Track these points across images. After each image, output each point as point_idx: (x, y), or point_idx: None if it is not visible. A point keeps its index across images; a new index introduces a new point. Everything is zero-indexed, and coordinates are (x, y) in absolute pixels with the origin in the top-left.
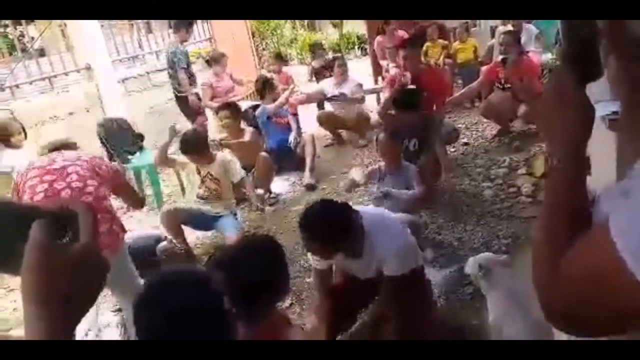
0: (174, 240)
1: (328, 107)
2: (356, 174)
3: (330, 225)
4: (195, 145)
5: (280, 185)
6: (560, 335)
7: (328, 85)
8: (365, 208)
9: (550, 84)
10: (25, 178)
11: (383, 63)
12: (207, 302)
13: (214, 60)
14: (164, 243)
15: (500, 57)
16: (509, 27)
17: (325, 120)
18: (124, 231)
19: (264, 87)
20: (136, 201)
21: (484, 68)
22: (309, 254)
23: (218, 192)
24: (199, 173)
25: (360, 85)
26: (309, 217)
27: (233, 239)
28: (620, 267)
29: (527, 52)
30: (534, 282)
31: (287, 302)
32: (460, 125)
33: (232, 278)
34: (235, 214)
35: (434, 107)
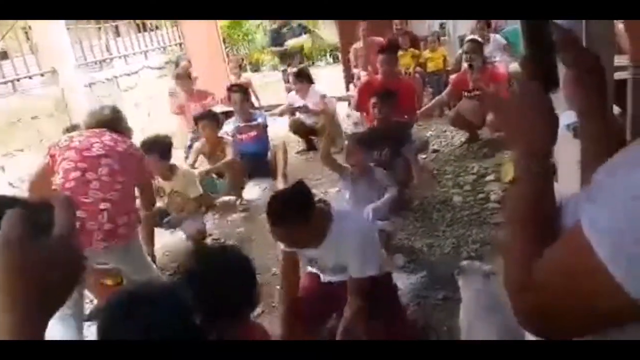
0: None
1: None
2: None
3: (292, 204)
4: (158, 147)
5: (251, 191)
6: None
7: (292, 97)
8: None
9: (515, 91)
10: (63, 155)
11: (355, 71)
12: (176, 316)
13: (178, 77)
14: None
15: (466, 64)
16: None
17: (296, 128)
18: (140, 222)
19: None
20: (149, 203)
21: (452, 77)
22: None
23: (183, 205)
24: (161, 195)
25: (324, 96)
26: (273, 200)
27: (191, 234)
28: (593, 266)
29: (494, 61)
30: (506, 286)
31: (259, 310)
32: (430, 133)
33: (199, 292)
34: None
35: (405, 116)
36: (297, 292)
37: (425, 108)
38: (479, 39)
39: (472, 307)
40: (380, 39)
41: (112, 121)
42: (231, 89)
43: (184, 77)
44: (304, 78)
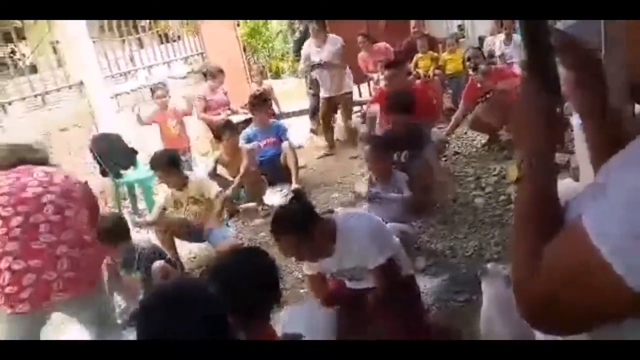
0: (168, 254)
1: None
2: (360, 187)
3: (291, 218)
4: (164, 163)
5: (273, 197)
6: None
7: (308, 49)
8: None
9: (519, 92)
10: None
11: (373, 76)
12: (208, 313)
13: (211, 74)
14: (160, 262)
15: (470, 71)
16: (499, 36)
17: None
18: (100, 265)
19: (255, 105)
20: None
21: (463, 92)
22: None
23: (203, 212)
24: (178, 208)
25: (342, 46)
26: (274, 219)
27: (225, 247)
28: (595, 261)
29: (510, 62)
30: (513, 283)
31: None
32: (452, 136)
33: (224, 290)
34: (227, 224)
35: (423, 120)
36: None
37: (449, 128)
38: (477, 46)
39: (493, 310)
40: (382, 45)
41: (35, 155)
42: (252, 101)
43: (217, 74)
44: (321, 29)
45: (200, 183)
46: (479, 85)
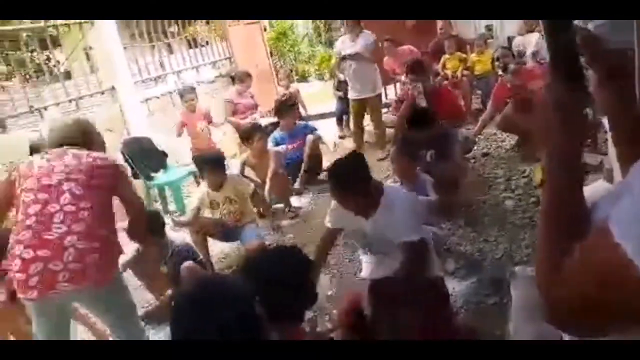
0: (200, 255)
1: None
2: None
3: (353, 170)
4: (211, 163)
5: (299, 199)
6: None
7: (342, 44)
8: None
9: (544, 95)
10: (22, 185)
11: (400, 78)
12: (242, 309)
13: (239, 79)
14: (190, 263)
15: (500, 71)
16: (527, 37)
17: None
18: (117, 262)
19: (281, 110)
20: (134, 209)
21: (492, 92)
22: (326, 217)
23: (238, 211)
24: (214, 208)
25: (375, 41)
26: (336, 164)
27: (253, 245)
28: (620, 262)
29: (541, 61)
30: (537, 284)
31: (309, 314)
32: (479, 137)
33: (259, 289)
34: (257, 224)
35: (449, 121)
36: (324, 258)
37: (477, 129)
38: (506, 45)
39: (523, 313)
40: (407, 47)
41: (79, 136)
42: (278, 106)
43: (245, 78)
44: (355, 24)
45: (236, 182)
46: (508, 85)
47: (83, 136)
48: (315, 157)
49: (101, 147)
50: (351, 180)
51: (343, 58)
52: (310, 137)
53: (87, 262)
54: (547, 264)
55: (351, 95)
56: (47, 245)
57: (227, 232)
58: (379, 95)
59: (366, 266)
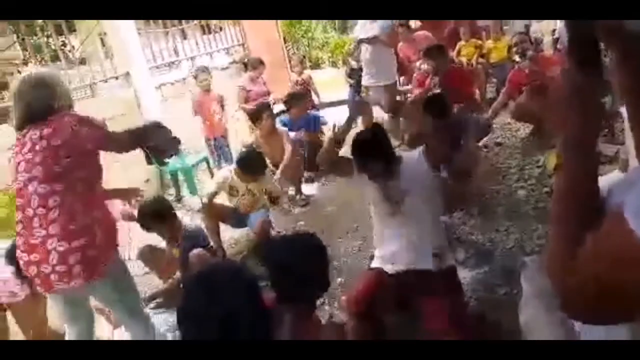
0: (211, 240)
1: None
2: None
3: (374, 140)
4: (254, 166)
5: (311, 187)
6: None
7: (361, 27)
8: None
9: (561, 81)
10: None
11: (416, 64)
12: (248, 294)
13: (252, 66)
14: (199, 250)
15: (517, 57)
16: (543, 23)
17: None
18: (110, 252)
19: (291, 101)
20: (123, 144)
21: (508, 77)
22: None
23: (253, 204)
24: (233, 195)
25: (392, 25)
26: (359, 136)
27: (259, 225)
28: (635, 247)
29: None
30: (548, 272)
31: (319, 302)
32: (493, 126)
33: (274, 272)
34: (267, 210)
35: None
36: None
37: (490, 113)
38: (524, 31)
39: (534, 304)
40: (422, 33)
41: (41, 104)
42: (288, 99)
43: (257, 65)
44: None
45: (266, 182)
46: (526, 71)
47: (48, 100)
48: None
49: (69, 106)
50: (374, 148)
51: (360, 41)
52: (301, 133)
53: (71, 263)
54: (561, 252)
55: (366, 81)
56: (35, 250)
57: (239, 219)
58: (395, 84)
59: (380, 258)
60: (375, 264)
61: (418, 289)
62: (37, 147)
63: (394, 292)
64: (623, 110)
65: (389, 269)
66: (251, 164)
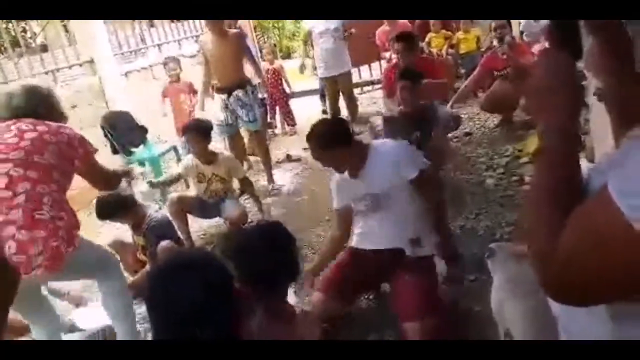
0: (179, 231)
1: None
2: None
3: (329, 130)
4: (196, 129)
5: (283, 176)
6: (559, 319)
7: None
8: None
9: (541, 62)
10: None
11: (385, 55)
12: (217, 282)
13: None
14: (167, 242)
15: (496, 41)
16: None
17: None
18: (71, 244)
19: None
20: (103, 181)
21: (481, 60)
22: (333, 202)
23: (224, 190)
24: (200, 181)
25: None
26: (312, 129)
27: (234, 216)
28: (621, 228)
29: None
30: (531, 255)
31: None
32: (463, 116)
33: (244, 261)
34: (237, 198)
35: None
36: (341, 248)
37: (456, 95)
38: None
39: (503, 288)
40: (404, 22)
41: (31, 107)
42: None
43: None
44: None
45: (230, 163)
46: (503, 57)
47: (41, 107)
48: None
49: (60, 117)
50: (329, 138)
51: (318, 34)
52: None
53: (30, 254)
54: (544, 235)
55: (320, 73)
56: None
57: (206, 209)
58: (348, 73)
59: (357, 237)
60: (352, 243)
61: (391, 268)
62: (26, 135)
63: (366, 271)
64: (587, 100)
65: (365, 245)
66: (192, 126)
